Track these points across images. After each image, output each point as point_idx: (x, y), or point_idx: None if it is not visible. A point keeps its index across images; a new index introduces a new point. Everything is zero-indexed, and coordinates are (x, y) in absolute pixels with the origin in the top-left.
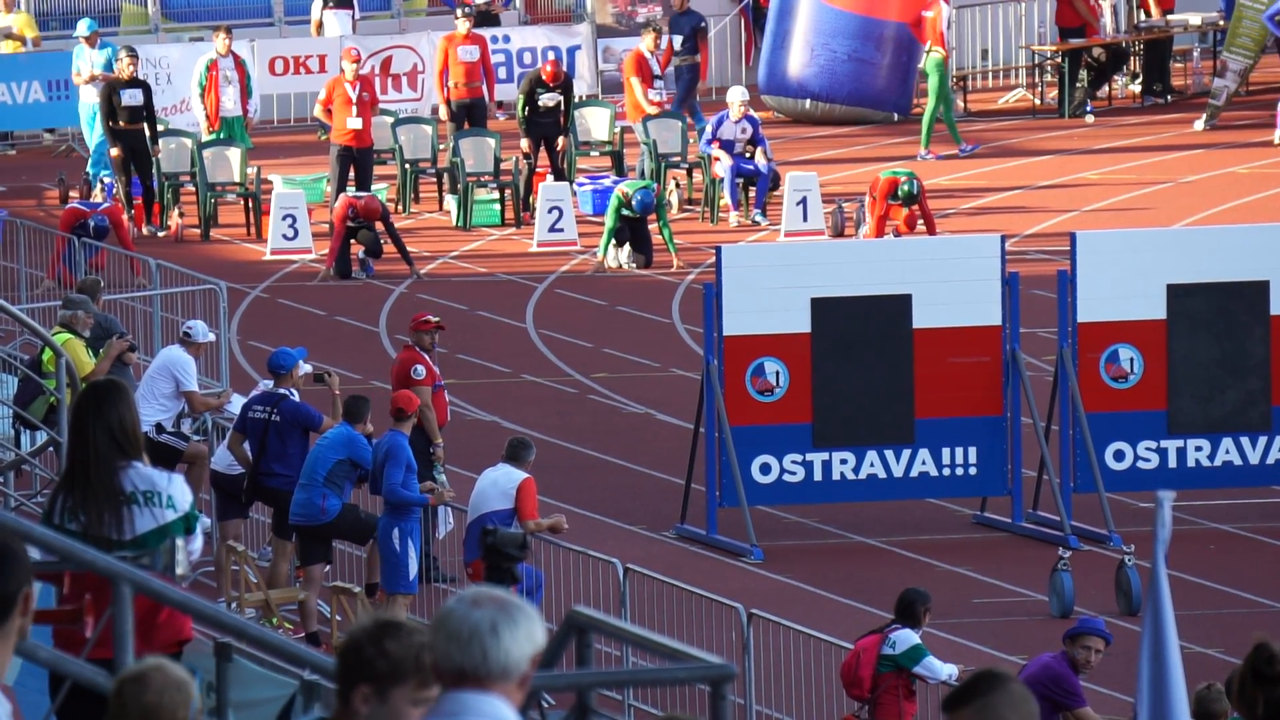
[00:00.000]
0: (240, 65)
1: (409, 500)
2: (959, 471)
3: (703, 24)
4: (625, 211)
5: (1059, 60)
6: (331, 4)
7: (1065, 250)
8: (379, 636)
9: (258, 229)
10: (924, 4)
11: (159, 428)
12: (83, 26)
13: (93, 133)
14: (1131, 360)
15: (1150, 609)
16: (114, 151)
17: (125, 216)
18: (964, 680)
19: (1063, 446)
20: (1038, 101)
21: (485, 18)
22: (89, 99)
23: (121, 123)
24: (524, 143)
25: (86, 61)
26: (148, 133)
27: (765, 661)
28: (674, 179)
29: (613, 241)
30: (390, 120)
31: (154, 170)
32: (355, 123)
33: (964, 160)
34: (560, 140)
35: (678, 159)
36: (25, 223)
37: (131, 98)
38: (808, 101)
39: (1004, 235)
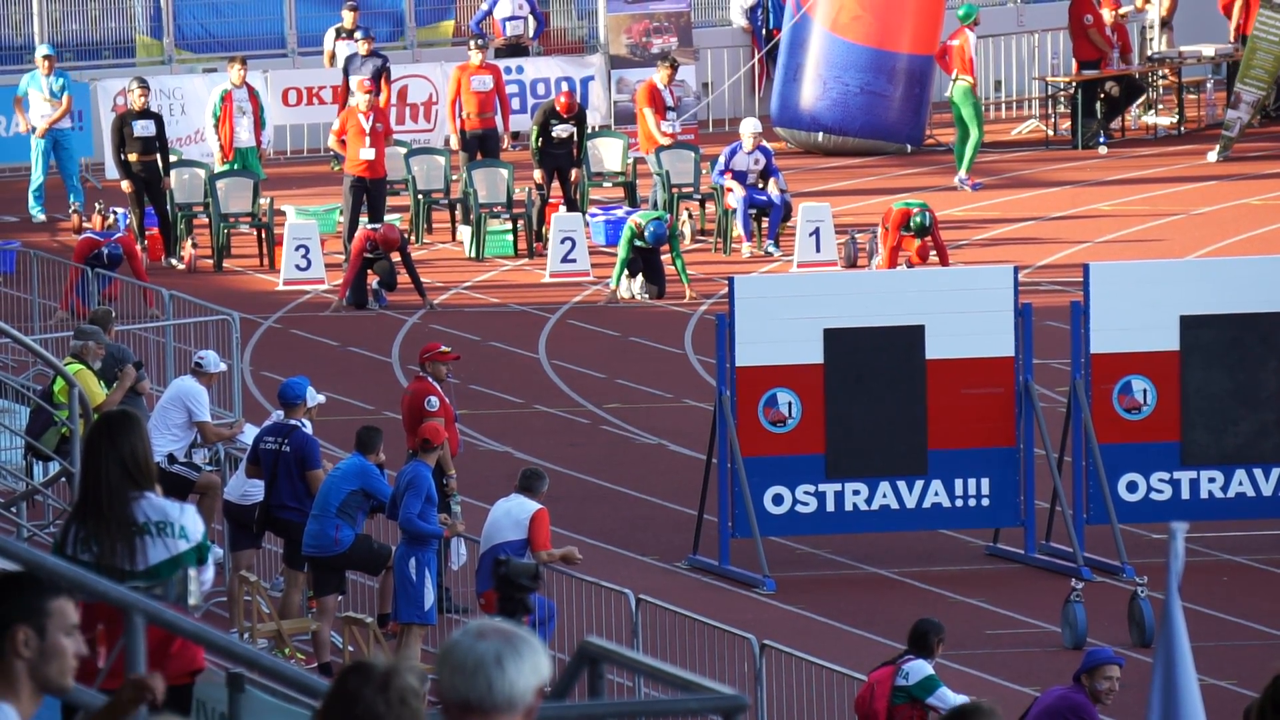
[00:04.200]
0: (254, 96)
1: (424, 532)
2: (972, 503)
3: (386, 65)
4: (638, 242)
5: (1072, 91)
6: (345, 34)
7: (1078, 281)
8: (381, 686)
9: (271, 260)
10: (934, 33)
11: (171, 458)
12: (41, 50)
13: (40, 162)
14: (1145, 391)
15: (1163, 641)
16: (125, 185)
17: (139, 247)
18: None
19: (1075, 478)
20: (1051, 133)
21: (514, 49)
22: (36, 121)
23: (134, 155)
24: (537, 173)
25: (40, 88)
26: (160, 164)
27: (778, 693)
28: (687, 210)
29: (625, 272)
30: (403, 151)
31: (168, 201)
32: (369, 154)
33: (975, 192)
34: (573, 171)
35: (690, 190)
36: (39, 253)
37: (144, 129)
38: (820, 134)
39: (1017, 266)
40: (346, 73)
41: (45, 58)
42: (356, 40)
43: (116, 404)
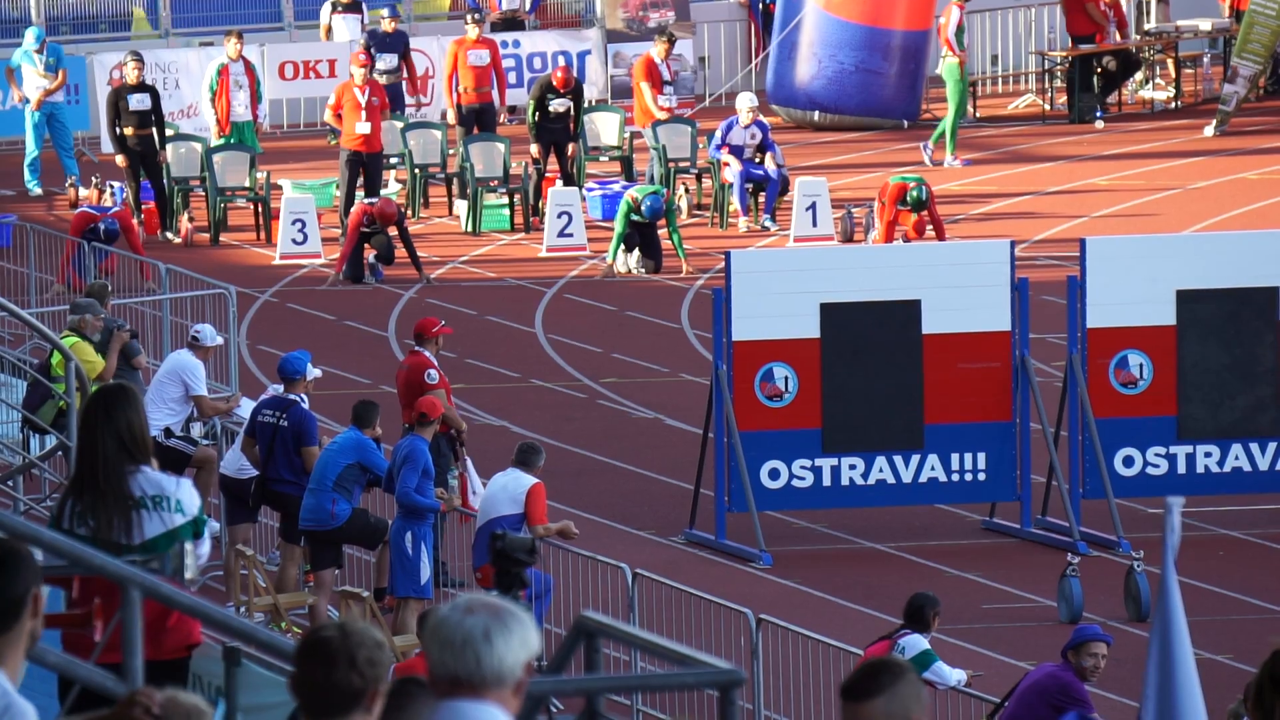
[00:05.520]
0: (250, 70)
1: (420, 505)
2: (968, 477)
3: (407, 43)
4: (634, 217)
5: (1069, 66)
6: (341, 8)
7: (1075, 256)
8: (349, 655)
9: (267, 233)
10: (928, 9)
11: (167, 432)
12: (30, 38)
13: (34, 135)
14: (1141, 366)
15: (1159, 615)
16: (120, 159)
17: (135, 221)
18: (864, 669)
19: (1072, 452)
20: (1047, 107)
21: (510, 23)
22: (31, 93)
23: (129, 128)
24: (533, 148)
25: (33, 62)
26: (156, 138)
27: (774, 667)
28: (683, 184)
29: (622, 246)
30: (400, 125)
31: (164, 175)
32: (364, 128)
33: (972, 165)
34: (570, 146)
35: (687, 164)
36: (35, 227)
37: (139, 102)
38: (816, 113)
39: (1013, 241)
40: (369, 49)
41: (35, 50)
42: (379, 19)
43: (113, 368)
